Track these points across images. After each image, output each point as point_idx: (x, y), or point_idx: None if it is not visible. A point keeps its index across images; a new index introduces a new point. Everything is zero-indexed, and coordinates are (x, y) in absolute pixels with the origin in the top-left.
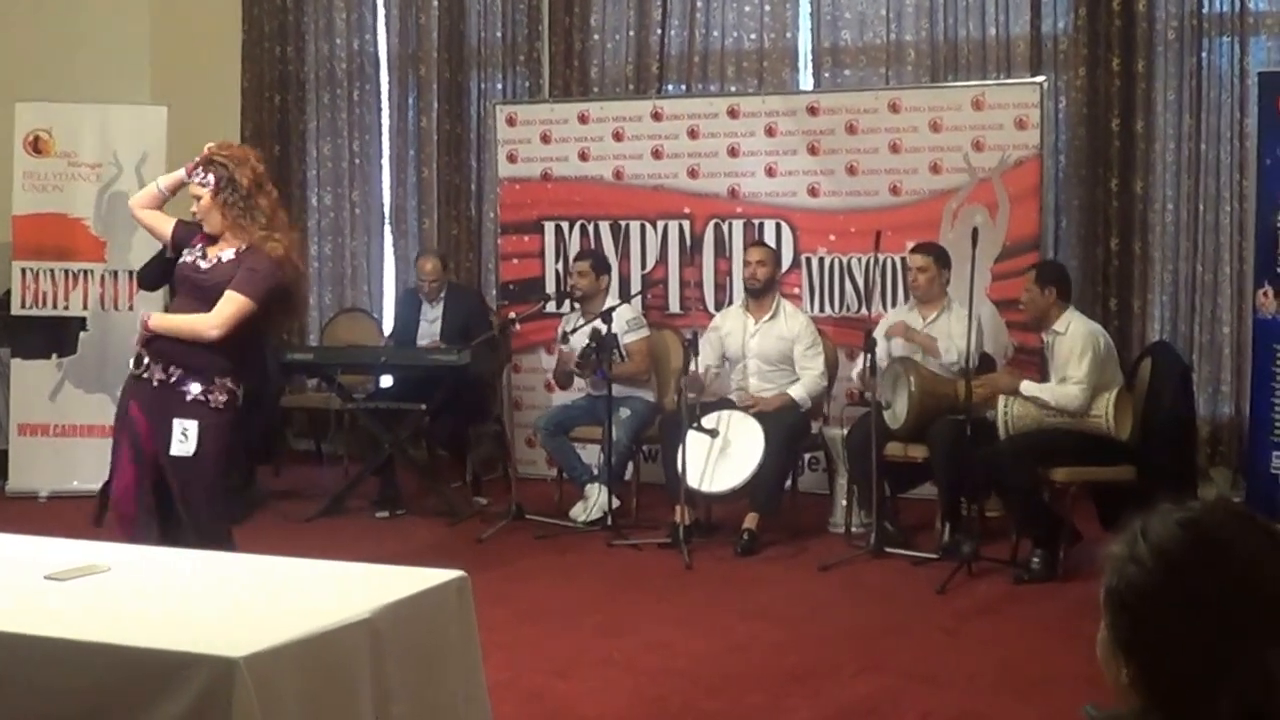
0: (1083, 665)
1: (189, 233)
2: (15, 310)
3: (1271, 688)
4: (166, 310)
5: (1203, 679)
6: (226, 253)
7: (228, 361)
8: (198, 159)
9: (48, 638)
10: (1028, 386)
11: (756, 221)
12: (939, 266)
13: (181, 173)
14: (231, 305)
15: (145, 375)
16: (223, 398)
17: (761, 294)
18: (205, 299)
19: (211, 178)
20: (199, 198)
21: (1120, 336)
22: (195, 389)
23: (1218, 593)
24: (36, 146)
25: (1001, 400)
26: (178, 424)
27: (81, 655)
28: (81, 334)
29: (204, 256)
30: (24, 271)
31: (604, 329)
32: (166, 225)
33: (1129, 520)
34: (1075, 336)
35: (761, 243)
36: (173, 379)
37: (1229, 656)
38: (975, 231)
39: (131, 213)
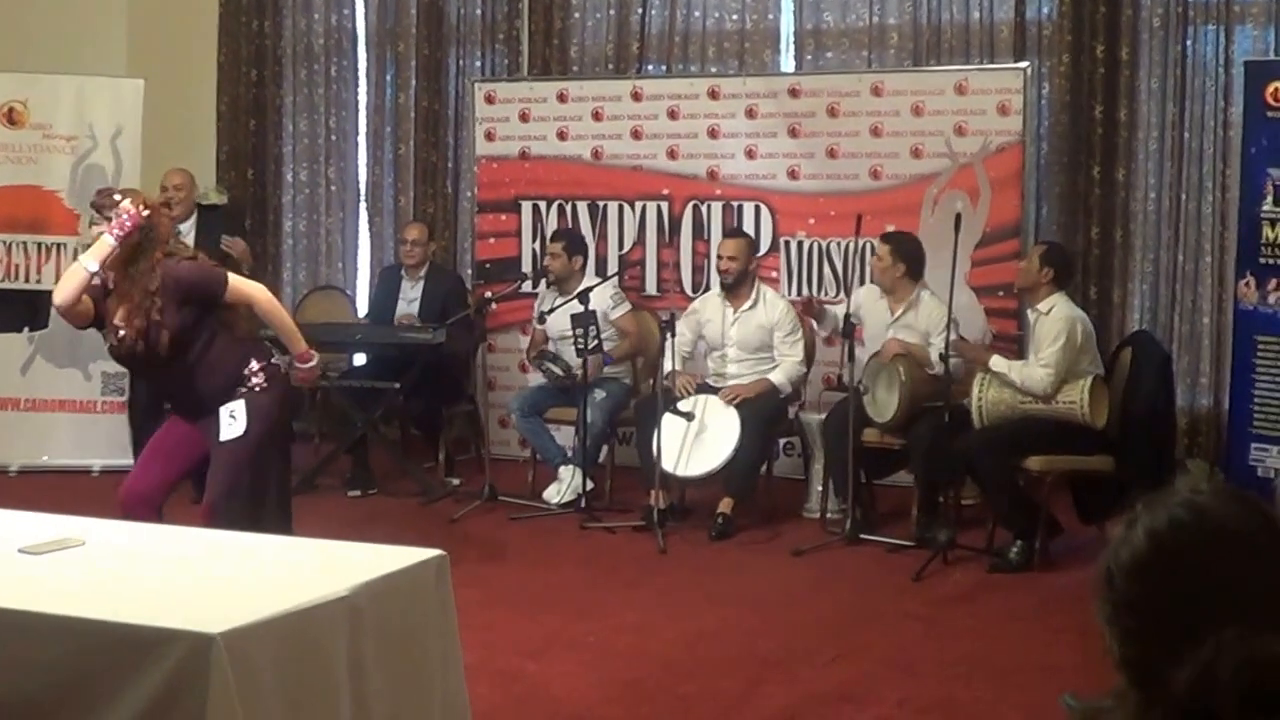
0: (1058, 654)
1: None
2: None
3: (1238, 669)
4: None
5: (1168, 651)
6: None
7: (241, 354)
8: (126, 219)
9: (22, 611)
10: (997, 362)
11: (735, 203)
12: (894, 258)
13: (111, 240)
14: (237, 289)
15: None
16: (259, 379)
17: (737, 286)
18: (161, 354)
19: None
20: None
21: (1100, 325)
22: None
23: (1197, 571)
24: (11, 118)
25: (976, 386)
26: (224, 409)
27: (57, 629)
28: (53, 308)
29: (117, 333)
30: None
31: (582, 309)
32: (87, 301)
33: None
34: (1055, 319)
35: (737, 233)
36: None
37: (1195, 627)
38: (958, 217)
39: (64, 313)
